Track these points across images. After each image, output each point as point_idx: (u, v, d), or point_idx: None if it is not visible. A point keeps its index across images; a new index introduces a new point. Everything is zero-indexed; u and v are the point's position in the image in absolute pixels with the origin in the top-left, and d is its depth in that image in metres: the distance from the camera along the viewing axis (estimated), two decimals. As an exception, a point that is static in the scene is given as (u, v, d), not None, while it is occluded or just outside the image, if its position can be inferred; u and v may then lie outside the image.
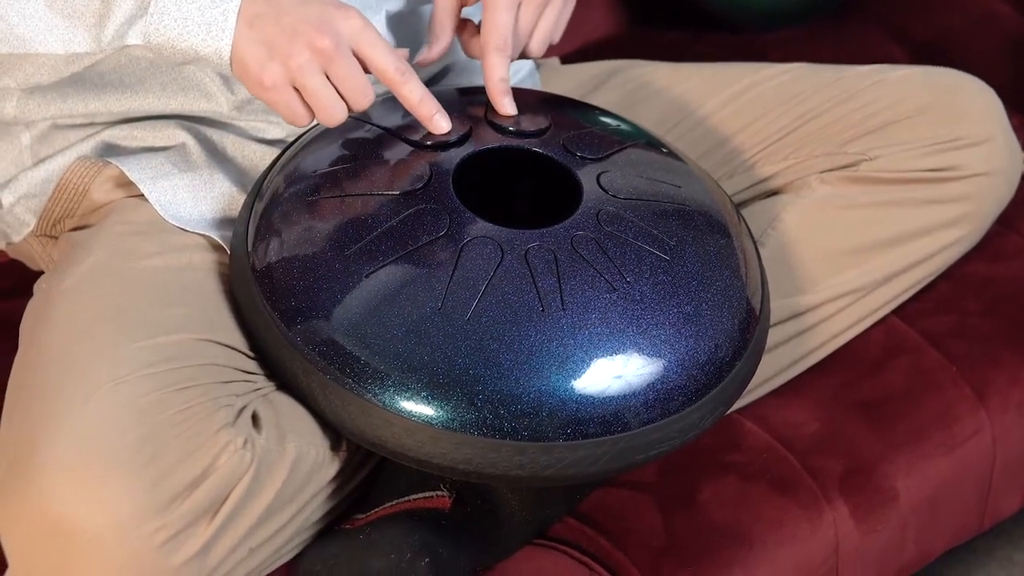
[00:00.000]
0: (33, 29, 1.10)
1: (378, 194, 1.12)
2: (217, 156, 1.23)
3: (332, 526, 1.15)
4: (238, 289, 1.13)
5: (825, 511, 1.25)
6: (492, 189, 1.18)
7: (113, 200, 1.22)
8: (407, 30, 1.31)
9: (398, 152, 1.16)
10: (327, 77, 1.10)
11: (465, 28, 1.24)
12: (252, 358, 1.11)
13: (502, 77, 1.19)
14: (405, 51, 1.17)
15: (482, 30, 1.19)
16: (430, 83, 1.36)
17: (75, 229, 1.23)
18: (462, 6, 1.22)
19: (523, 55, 1.24)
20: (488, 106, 1.21)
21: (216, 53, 1.10)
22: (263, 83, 1.10)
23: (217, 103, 1.23)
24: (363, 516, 1.14)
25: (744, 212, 1.32)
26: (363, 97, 1.12)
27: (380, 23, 1.27)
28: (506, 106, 1.19)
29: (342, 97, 1.12)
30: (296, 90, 1.11)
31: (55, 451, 1.00)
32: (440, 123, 1.15)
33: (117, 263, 1.13)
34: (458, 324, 1.05)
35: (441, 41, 1.22)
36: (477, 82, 1.38)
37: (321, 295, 1.08)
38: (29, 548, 1.02)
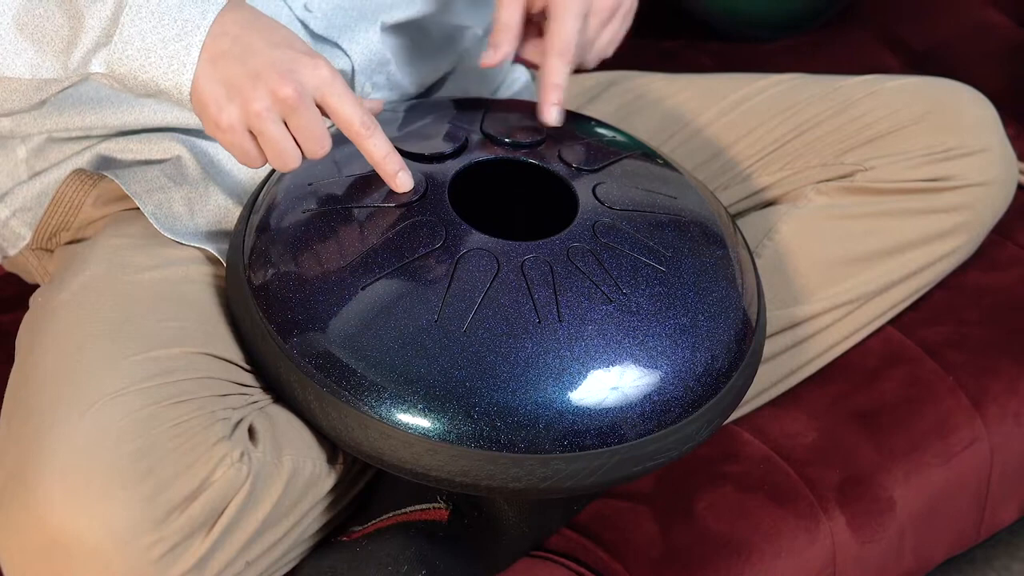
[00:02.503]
0: (2, 52, 1.09)
1: (374, 206, 1.12)
2: (213, 169, 1.22)
3: (329, 538, 1.15)
4: (234, 302, 1.13)
5: (822, 521, 1.25)
6: (488, 201, 1.18)
7: (109, 213, 1.22)
8: (406, 41, 1.31)
9: (394, 164, 1.16)
10: (286, 124, 1.08)
11: (527, 29, 1.22)
12: (248, 371, 1.11)
13: (557, 83, 1.18)
14: (379, 102, 1.16)
15: (547, 34, 1.18)
16: (431, 90, 1.36)
17: (71, 242, 1.23)
18: (527, 13, 1.21)
19: (578, 67, 1.23)
20: (484, 117, 1.21)
21: (176, 88, 1.07)
22: (219, 124, 1.07)
23: None
24: (360, 528, 1.14)
25: (740, 223, 1.32)
26: (320, 148, 1.09)
27: (376, 34, 1.27)
28: (552, 114, 1.18)
29: (298, 143, 1.09)
30: (252, 133, 1.09)
31: (52, 464, 1.00)
32: (403, 181, 1.11)
33: (113, 276, 1.13)
34: (455, 336, 1.05)
35: (505, 47, 1.20)
36: (478, 88, 1.38)
37: (317, 307, 1.08)
38: (26, 561, 1.02)
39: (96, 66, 1.08)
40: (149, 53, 1.07)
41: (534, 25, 1.23)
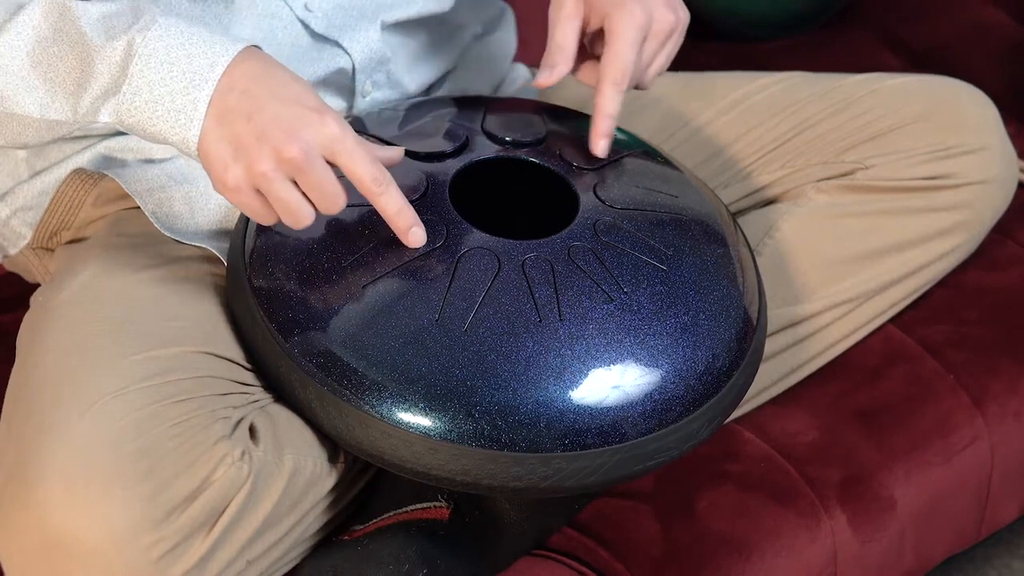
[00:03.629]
0: (13, 88, 1.07)
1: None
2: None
3: (330, 537, 1.15)
4: (235, 301, 1.13)
5: (823, 520, 1.25)
6: (489, 199, 1.18)
7: (109, 212, 1.22)
8: (407, 40, 1.31)
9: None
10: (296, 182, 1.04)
11: (580, 51, 1.20)
12: (249, 370, 1.11)
13: (611, 113, 1.15)
14: (399, 150, 1.11)
15: (604, 59, 1.16)
16: (432, 88, 1.36)
17: (71, 242, 1.23)
18: (584, 32, 1.19)
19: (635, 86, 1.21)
20: (485, 116, 1.21)
21: (183, 142, 1.04)
22: (226, 184, 1.04)
23: None
24: (361, 527, 1.14)
25: (741, 221, 1.32)
26: (334, 205, 1.04)
27: (376, 33, 1.27)
28: (601, 147, 1.16)
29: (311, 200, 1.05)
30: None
31: (52, 464, 1.00)
32: (416, 236, 1.07)
33: (113, 276, 1.13)
34: (455, 335, 1.05)
35: (561, 67, 1.17)
36: (477, 87, 1.38)
37: (318, 307, 1.08)
38: (26, 561, 1.01)
39: (105, 115, 1.06)
40: (156, 105, 1.04)
41: (584, 46, 1.21)
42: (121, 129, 1.07)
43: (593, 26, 1.19)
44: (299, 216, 1.04)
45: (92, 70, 1.05)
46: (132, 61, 1.04)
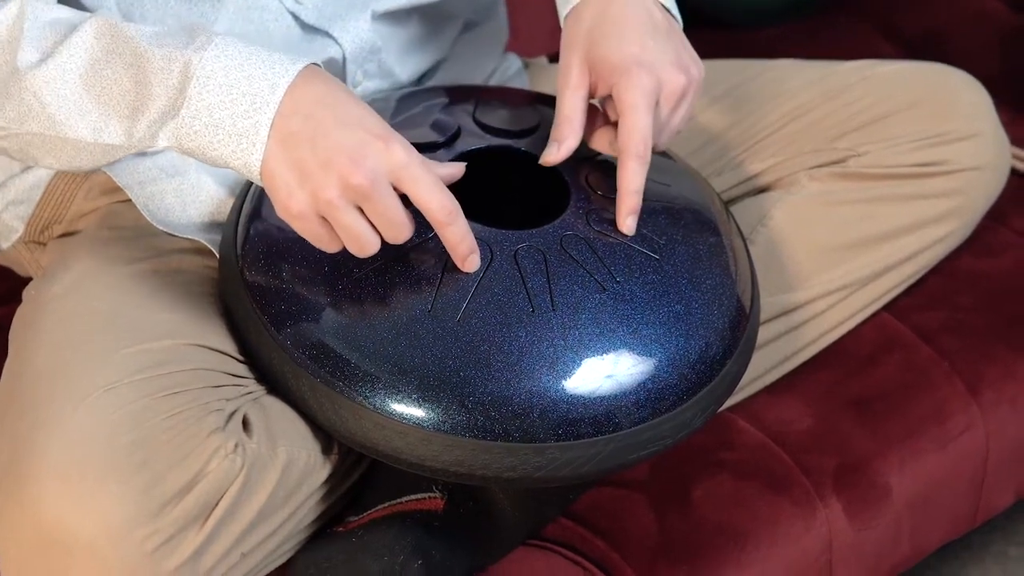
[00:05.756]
0: (66, 111, 1.05)
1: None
2: (205, 160, 1.22)
3: (325, 529, 1.15)
4: (227, 293, 1.13)
5: (818, 508, 1.25)
6: (481, 189, 1.18)
7: (101, 206, 1.22)
8: (397, 29, 1.31)
9: (386, 154, 1.15)
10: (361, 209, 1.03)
11: (592, 117, 1.16)
12: (242, 362, 1.11)
13: (637, 189, 1.11)
14: (459, 167, 1.09)
15: (621, 132, 1.11)
16: (423, 78, 1.36)
17: (63, 235, 1.23)
18: (589, 99, 1.15)
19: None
20: (476, 106, 1.21)
21: (246, 167, 1.03)
22: (290, 210, 1.02)
23: None
24: (356, 519, 1.14)
25: (734, 209, 1.31)
26: (400, 234, 1.03)
27: (366, 23, 1.26)
28: (629, 224, 1.11)
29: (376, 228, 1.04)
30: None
31: (46, 459, 1.00)
32: (473, 263, 1.06)
33: (105, 269, 1.13)
34: (448, 326, 1.05)
35: (570, 141, 1.13)
36: (469, 77, 1.38)
37: (311, 298, 1.07)
38: (22, 557, 1.02)
39: (164, 139, 1.04)
40: (217, 129, 1.02)
41: (595, 110, 1.17)
42: (180, 153, 1.06)
43: (601, 93, 1.15)
44: (364, 244, 1.03)
45: (149, 93, 1.03)
46: (190, 83, 1.02)
